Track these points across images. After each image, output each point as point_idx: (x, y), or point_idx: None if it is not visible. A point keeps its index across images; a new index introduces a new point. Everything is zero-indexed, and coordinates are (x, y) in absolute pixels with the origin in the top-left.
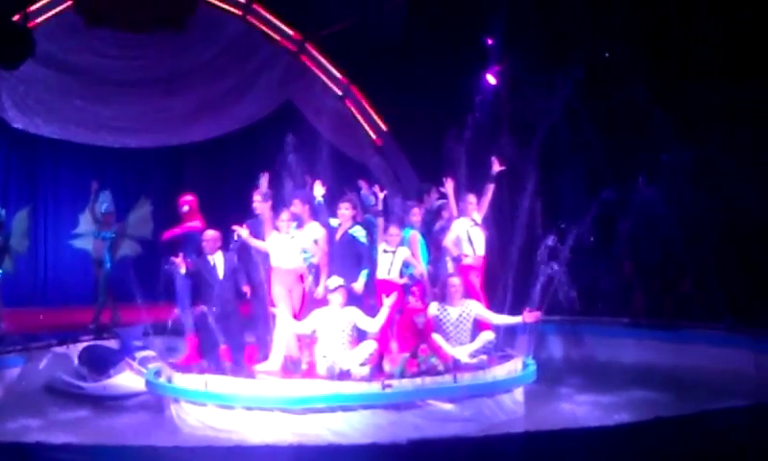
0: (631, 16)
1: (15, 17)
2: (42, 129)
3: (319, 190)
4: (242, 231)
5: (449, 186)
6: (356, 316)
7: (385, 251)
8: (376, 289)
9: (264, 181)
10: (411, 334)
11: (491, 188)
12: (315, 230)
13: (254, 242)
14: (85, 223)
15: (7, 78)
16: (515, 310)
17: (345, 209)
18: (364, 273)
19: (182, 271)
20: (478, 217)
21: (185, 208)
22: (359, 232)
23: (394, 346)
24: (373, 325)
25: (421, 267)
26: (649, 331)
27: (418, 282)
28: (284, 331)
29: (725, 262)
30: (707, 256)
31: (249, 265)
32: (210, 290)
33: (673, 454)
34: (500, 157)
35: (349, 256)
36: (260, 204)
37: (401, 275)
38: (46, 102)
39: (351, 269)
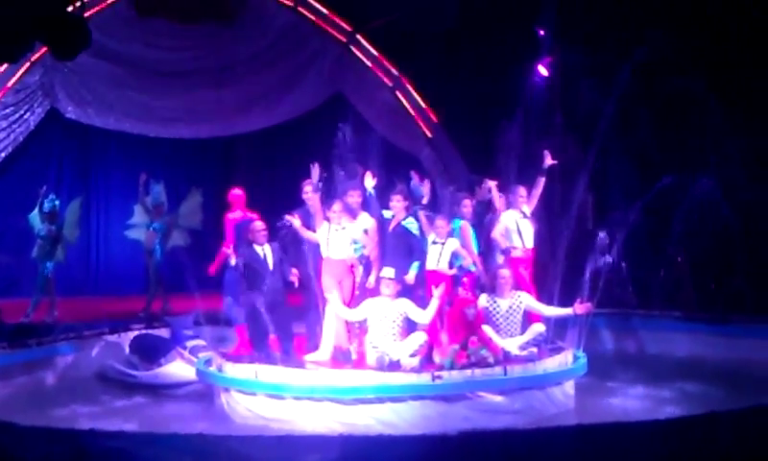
0: (685, 3)
1: (71, 8)
2: (95, 119)
3: (369, 182)
4: (294, 221)
5: (494, 188)
6: (407, 307)
7: (434, 242)
8: (426, 280)
9: (315, 171)
10: (461, 326)
11: (541, 181)
12: (365, 221)
13: (305, 232)
14: (139, 214)
15: (60, 69)
16: (565, 303)
17: (397, 201)
18: (415, 265)
19: (233, 262)
20: (527, 210)
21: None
22: (412, 224)
23: (444, 337)
24: (425, 316)
25: (473, 258)
26: (701, 325)
27: (469, 273)
28: (334, 322)
29: None
30: (760, 249)
31: (298, 256)
32: (260, 280)
33: (726, 449)
34: (552, 150)
35: (401, 248)
36: (310, 194)
37: (451, 266)
38: (99, 92)
39: (403, 261)
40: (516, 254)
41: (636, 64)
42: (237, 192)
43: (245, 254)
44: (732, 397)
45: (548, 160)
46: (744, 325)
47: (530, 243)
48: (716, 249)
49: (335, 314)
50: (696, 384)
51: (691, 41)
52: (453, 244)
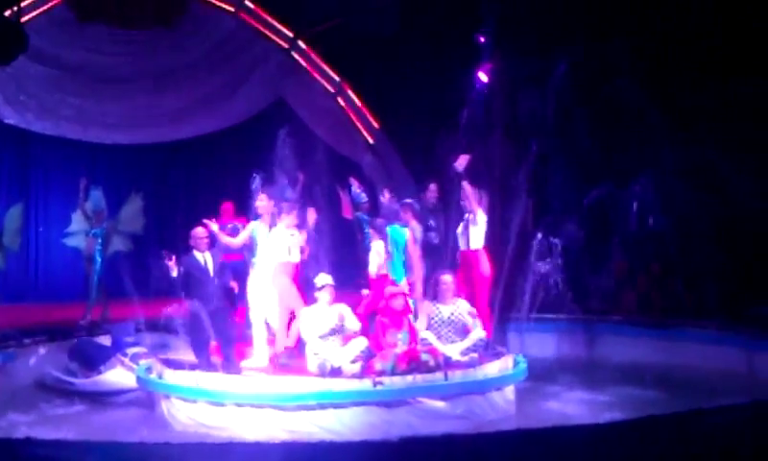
0: (625, 12)
1: (8, 12)
2: (34, 124)
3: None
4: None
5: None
6: (344, 313)
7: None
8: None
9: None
10: (392, 318)
11: (465, 185)
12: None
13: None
14: (77, 221)
15: None
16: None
17: (260, 201)
18: None
19: (174, 273)
20: (481, 214)
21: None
22: None
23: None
24: (356, 323)
25: (383, 261)
26: (640, 329)
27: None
28: (263, 329)
29: (716, 260)
30: (698, 254)
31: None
32: (201, 288)
33: (664, 453)
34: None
35: None
36: (265, 200)
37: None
38: (38, 97)
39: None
40: None
41: (574, 69)
42: (228, 205)
43: (185, 262)
44: (670, 400)
45: (460, 162)
46: (682, 329)
47: (464, 245)
48: (656, 254)
49: (265, 321)
50: (635, 388)
51: (632, 48)
52: (377, 246)
